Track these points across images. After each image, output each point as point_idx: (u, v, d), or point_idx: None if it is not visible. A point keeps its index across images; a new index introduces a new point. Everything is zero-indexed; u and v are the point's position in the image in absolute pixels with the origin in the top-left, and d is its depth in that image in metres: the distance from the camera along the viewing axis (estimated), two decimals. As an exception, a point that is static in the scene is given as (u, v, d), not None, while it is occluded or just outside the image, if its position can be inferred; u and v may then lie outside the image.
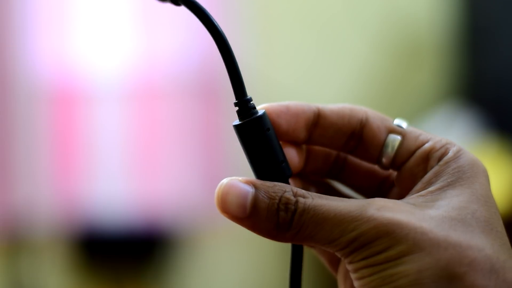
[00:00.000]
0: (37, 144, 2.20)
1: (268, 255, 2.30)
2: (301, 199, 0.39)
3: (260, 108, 0.43)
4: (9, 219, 2.16)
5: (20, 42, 2.17)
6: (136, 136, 2.30)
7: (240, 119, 0.42)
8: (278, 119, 0.43)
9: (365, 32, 2.41)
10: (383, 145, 0.43)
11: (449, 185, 0.40)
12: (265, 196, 0.39)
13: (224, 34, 0.41)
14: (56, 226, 2.19)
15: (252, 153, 0.42)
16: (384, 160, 0.43)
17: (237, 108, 0.42)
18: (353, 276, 0.39)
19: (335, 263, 0.47)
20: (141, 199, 2.27)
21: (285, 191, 0.39)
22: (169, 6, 0.42)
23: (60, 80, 2.24)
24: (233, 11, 2.29)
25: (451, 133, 2.11)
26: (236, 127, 0.42)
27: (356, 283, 0.38)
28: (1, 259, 2.17)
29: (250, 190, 0.40)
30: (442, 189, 0.39)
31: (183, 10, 0.42)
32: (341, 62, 2.41)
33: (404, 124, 0.44)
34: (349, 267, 0.39)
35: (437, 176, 0.40)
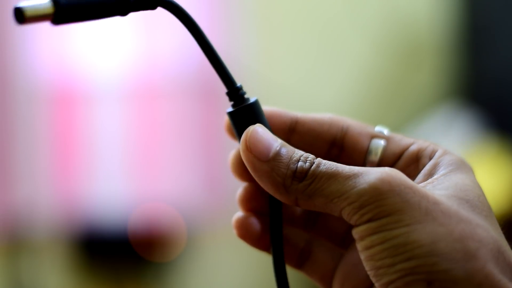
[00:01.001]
0: (37, 144, 2.20)
1: (268, 255, 2.29)
2: (319, 158, 0.40)
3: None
4: (9, 219, 2.16)
5: (20, 42, 2.17)
6: (136, 136, 2.30)
7: (233, 106, 0.43)
8: None
9: (365, 32, 2.41)
10: (366, 151, 0.44)
11: (452, 172, 0.40)
12: (289, 148, 0.41)
13: (201, 30, 0.44)
14: (56, 226, 2.19)
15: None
16: (368, 165, 0.44)
17: (229, 97, 0.43)
18: (360, 245, 0.38)
19: (328, 279, 0.46)
20: (141, 199, 2.27)
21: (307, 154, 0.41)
22: (147, 13, 0.44)
23: (60, 80, 2.24)
24: (233, 11, 2.29)
25: (451, 133, 2.11)
26: (230, 114, 0.43)
27: (364, 254, 0.37)
28: (1, 259, 2.17)
29: (278, 140, 0.41)
30: (446, 175, 0.40)
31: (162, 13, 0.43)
32: (341, 62, 2.41)
33: (385, 131, 0.45)
34: (357, 234, 0.38)
35: (436, 167, 0.41)
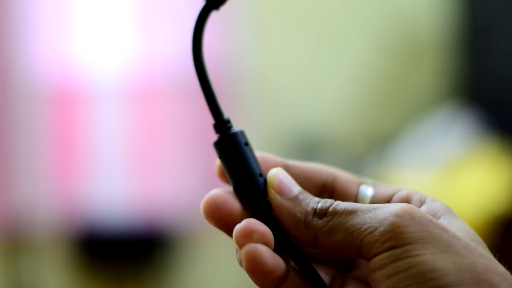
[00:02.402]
0: (37, 144, 2.20)
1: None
2: (338, 200, 0.41)
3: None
4: (9, 219, 2.16)
5: (21, 42, 2.17)
6: (136, 136, 2.30)
7: (218, 137, 0.44)
8: None
9: (365, 32, 2.41)
10: (356, 196, 0.45)
11: (444, 215, 0.41)
12: (308, 193, 0.43)
13: (199, 51, 0.46)
14: (56, 226, 2.19)
15: (230, 167, 0.43)
16: None
17: (216, 129, 0.44)
18: (381, 274, 0.37)
19: None
20: (141, 199, 2.27)
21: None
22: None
23: (60, 80, 2.24)
24: (232, 11, 2.29)
25: (451, 133, 2.11)
26: (214, 144, 0.44)
27: (384, 284, 0.37)
28: (1, 259, 2.17)
29: (297, 185, 0.43)
30: (448, 219, 0.41)
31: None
32: (341, 62, 2.41)
33: (369, 180, 0.46)
34: (377, 263, 0.37)
35: (432, 211, 0.41)
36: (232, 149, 0.43)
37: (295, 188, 0.42)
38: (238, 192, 0.43)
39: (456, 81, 2.38)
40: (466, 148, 2.06)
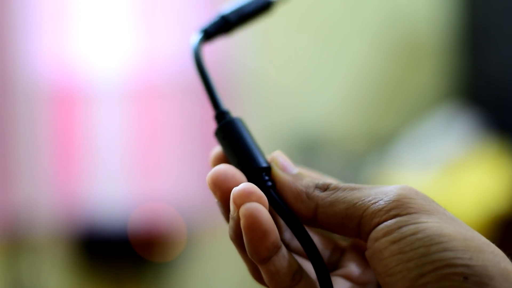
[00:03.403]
0: (37, 144, 2.20)
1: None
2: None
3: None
4: (9, 219, 2.16)
5: (20, 42, 2.17)
6: (136, 136, 2.30)
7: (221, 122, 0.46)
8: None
9: (364, 32, 2.41)
10: None
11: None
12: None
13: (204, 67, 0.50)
14: (56, 226, 2.19)
15: (234, 146, 0.44)
16: None
17: (216, 120, 0.46)
18: (385, 241, 0.37)
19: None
20: (141, 199, 2.28)
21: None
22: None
23: (60, 80, 2.24)
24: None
25: (451, 133, 2.11)
26: (215, 132, 0.45)
27: (388, 250, 0.36)
28: (1, 259, 2.17)
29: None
30: None
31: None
32: (341, 62, 2.41)
33: None
34: (381, 230, 0.37)
35: None
36: (235, 129, 0.44)
37: (295, 169, 0.43)
38: (242, 166, 0.43)
39: (456, 81, 2.38)
40: (466, 148, 2.06)
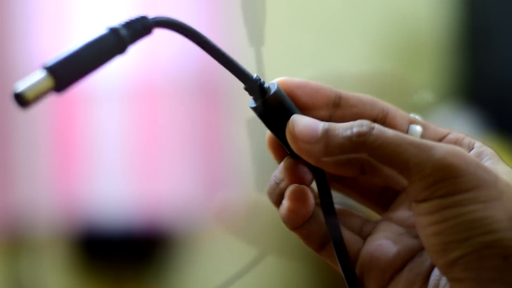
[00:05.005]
0: (37, 144, 2.20)
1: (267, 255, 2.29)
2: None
3: (276, 81, 0.44)
4: (9, 219, 2.16)
5: (20, 42, 2.17)
6: (136, 136, 2.30)
7: (255, 100, 0.43)
8: (297, 90, 0.44)
9: (364, 32, 2.41)
10: (406, 133, 0.43)
11: (497, 162, 0.41)
12: (335, 124, 0.40)
13: (204, 36, 0.43)
14: (56, 226, 2.19)
15: (278, 130, 0.42)
16: None
17: (248, 92, 0.43)
18: (426, 220, 0.37)
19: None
20: (141, 199, 2.27)
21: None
22: (146, 12, 0.42)
23: (60, 80, 2.23)
24: (232, 11, 2.29)
25: (451, 133, 2.11)
26: (254, 108, 0.43)
27: (429, 230, 0.37)
28: (1, 259, 2.17)
29: (321, 122, 0.40)
30: (494, 163, 0.40)
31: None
32: (341, 62, 2.41)
33: (420, 118, 0.45)
34: (424, 209, 0.37)
35: (479, 156, 0.41)
36: (272, 113, 0.42)
37: (320, 124, 0.40)
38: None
39: (456, 81, 2.38)
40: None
